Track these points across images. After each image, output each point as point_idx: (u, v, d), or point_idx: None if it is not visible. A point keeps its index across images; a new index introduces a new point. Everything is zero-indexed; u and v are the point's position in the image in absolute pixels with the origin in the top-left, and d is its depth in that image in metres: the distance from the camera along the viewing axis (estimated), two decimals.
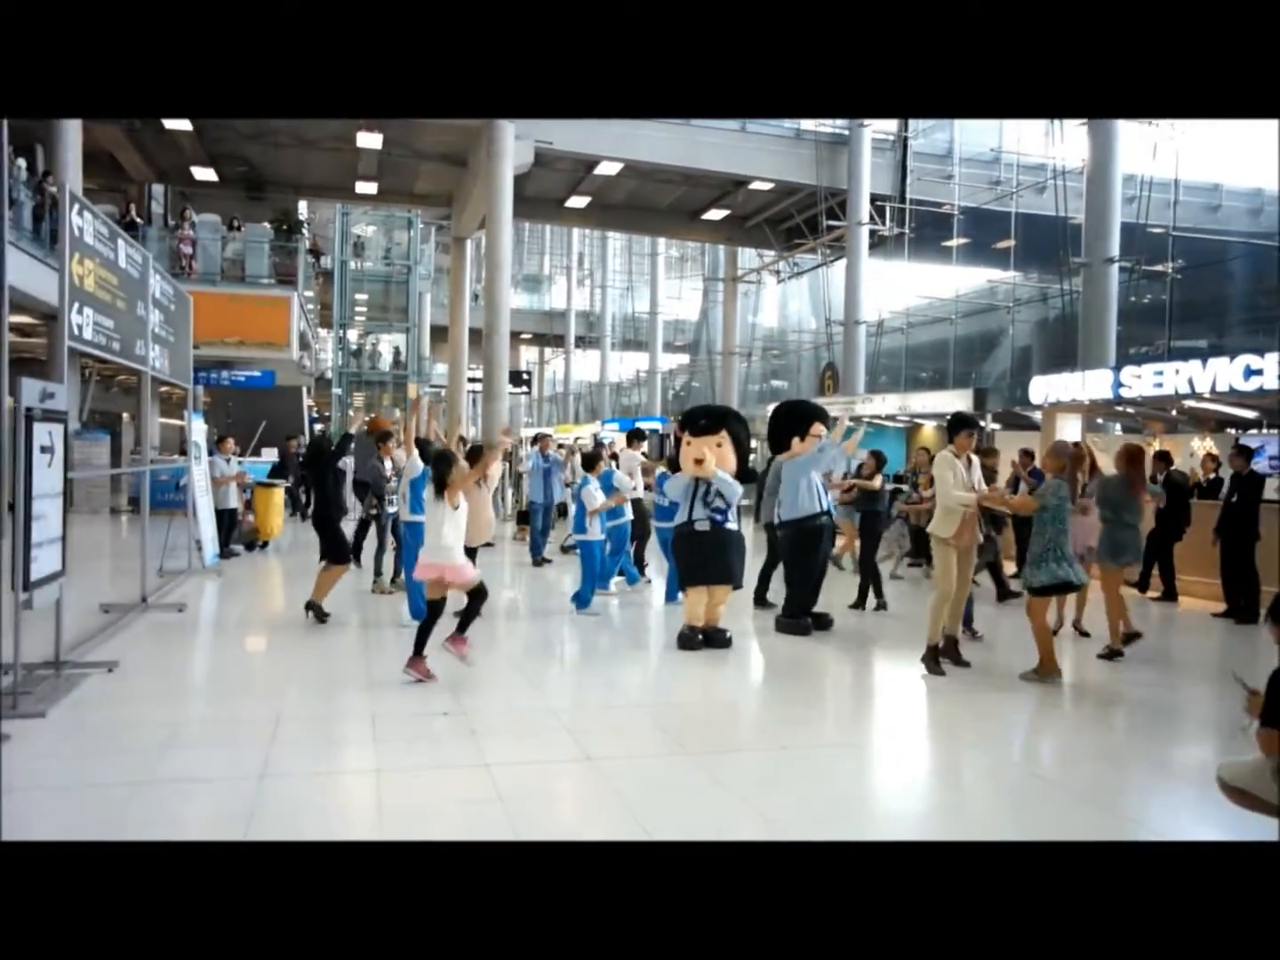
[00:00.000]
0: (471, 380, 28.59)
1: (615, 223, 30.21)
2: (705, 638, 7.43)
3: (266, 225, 20.87)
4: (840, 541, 11.06)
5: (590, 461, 9.46)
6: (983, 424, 16.56)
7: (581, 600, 8.81)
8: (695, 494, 7.57)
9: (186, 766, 4.51)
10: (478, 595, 6.35)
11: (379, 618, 8.47)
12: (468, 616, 6.34)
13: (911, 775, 4.97)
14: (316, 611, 8.11)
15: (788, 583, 8.40)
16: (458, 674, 6.36)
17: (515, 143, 20.18)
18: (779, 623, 8.27)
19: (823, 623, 8.32)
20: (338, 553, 8.36)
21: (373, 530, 10.54)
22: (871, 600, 9.44)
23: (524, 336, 48.68)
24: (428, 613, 6.32)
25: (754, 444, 13.91)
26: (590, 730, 5.32)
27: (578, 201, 26.03)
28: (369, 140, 21.36)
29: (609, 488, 9.28)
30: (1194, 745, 5.72)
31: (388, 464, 9.71)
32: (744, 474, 7.83)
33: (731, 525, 7.65)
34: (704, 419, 7.87)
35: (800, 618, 8.19)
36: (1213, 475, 11.32)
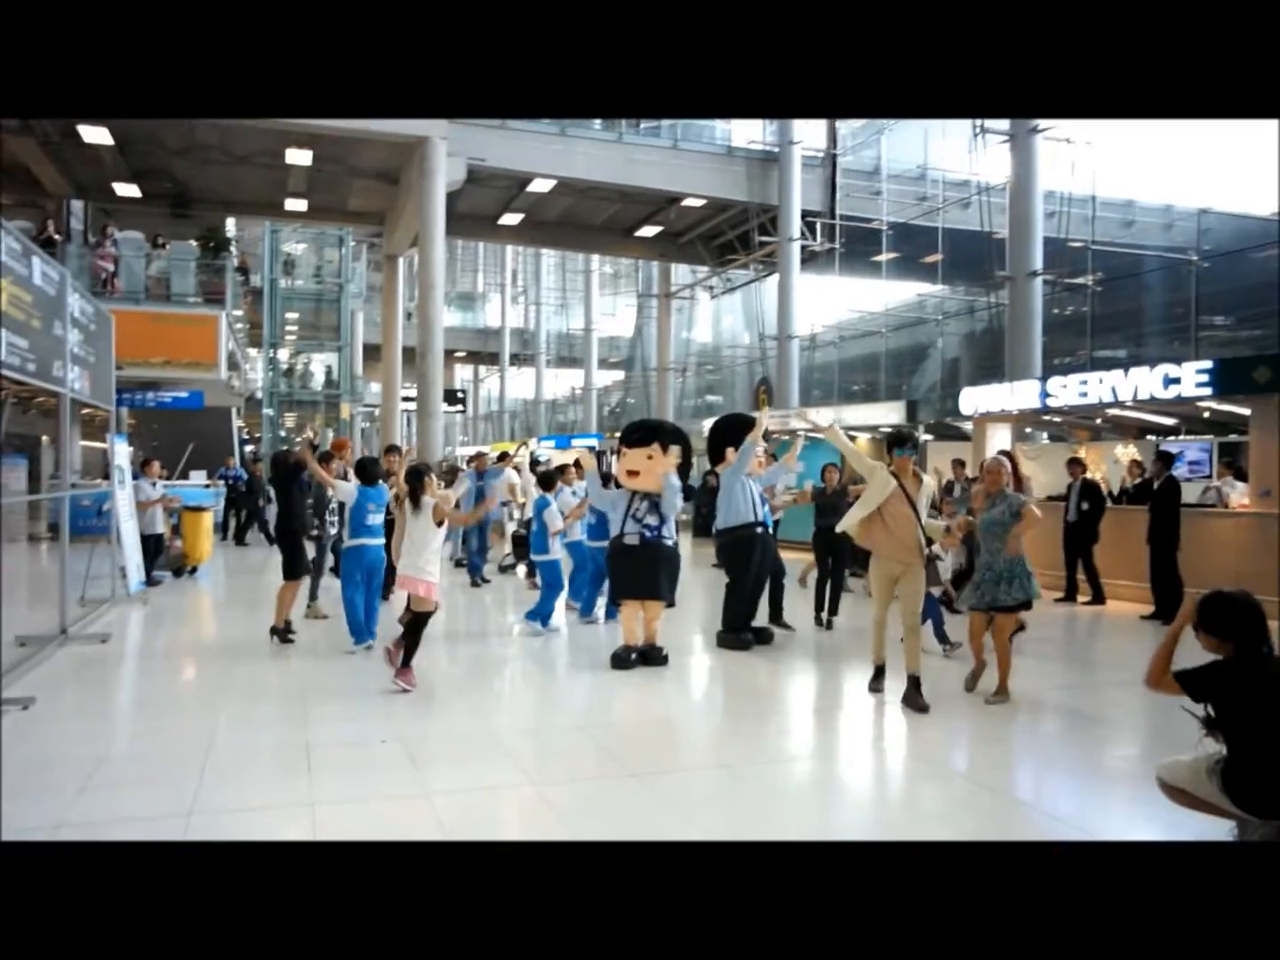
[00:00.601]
0: (405, 399, 28.26)
1: (549, 240, 30.12)
2: (641, 656, 7.36)
3: (193, 243, 20.38)
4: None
5: (547, 481, 9.39)
6: (917, 435, 16.82)
7: (542, 617, 8.82)
8: (628, 508, 7.52)
9: (109, 807, 4.30)
10: (424, 621, 6.56)
11: (314, 643, 8.27)
12: (412, 645, 6.49)
13: (852, 788, 4.98)
14: (280, 634, 8.11)
15: (725, 594, 8.39)
16: (397, 700, 6.23)
17: (448, 159, 20.05)
18: (719, 637, 8.25)
19: (763, 637, 8.30)
20: (292, 568, 8.31)
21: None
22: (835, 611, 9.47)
23: (458, 354, 48.30)
24: (413, 624, 6.56)
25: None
26: (533, 754, 5.24)
27: (511, 219, 25.92)
28: (300, 156, 21.04)
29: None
30: (1123, 746, 5.82)
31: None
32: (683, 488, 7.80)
33: (667, 540, 7.56)
34: (637, 431, 7.84)
35: (740, 632, 8.17)
36: (1138, 480, 11.63)
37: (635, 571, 7.44)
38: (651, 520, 7.46)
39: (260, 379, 36.04)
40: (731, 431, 8.66)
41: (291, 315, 35.77)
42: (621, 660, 7.29)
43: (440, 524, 6.61)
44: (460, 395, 37.48)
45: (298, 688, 6.73)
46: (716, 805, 4.49)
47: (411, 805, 4.32)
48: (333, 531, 9.45)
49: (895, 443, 6.55)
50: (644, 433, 7.78)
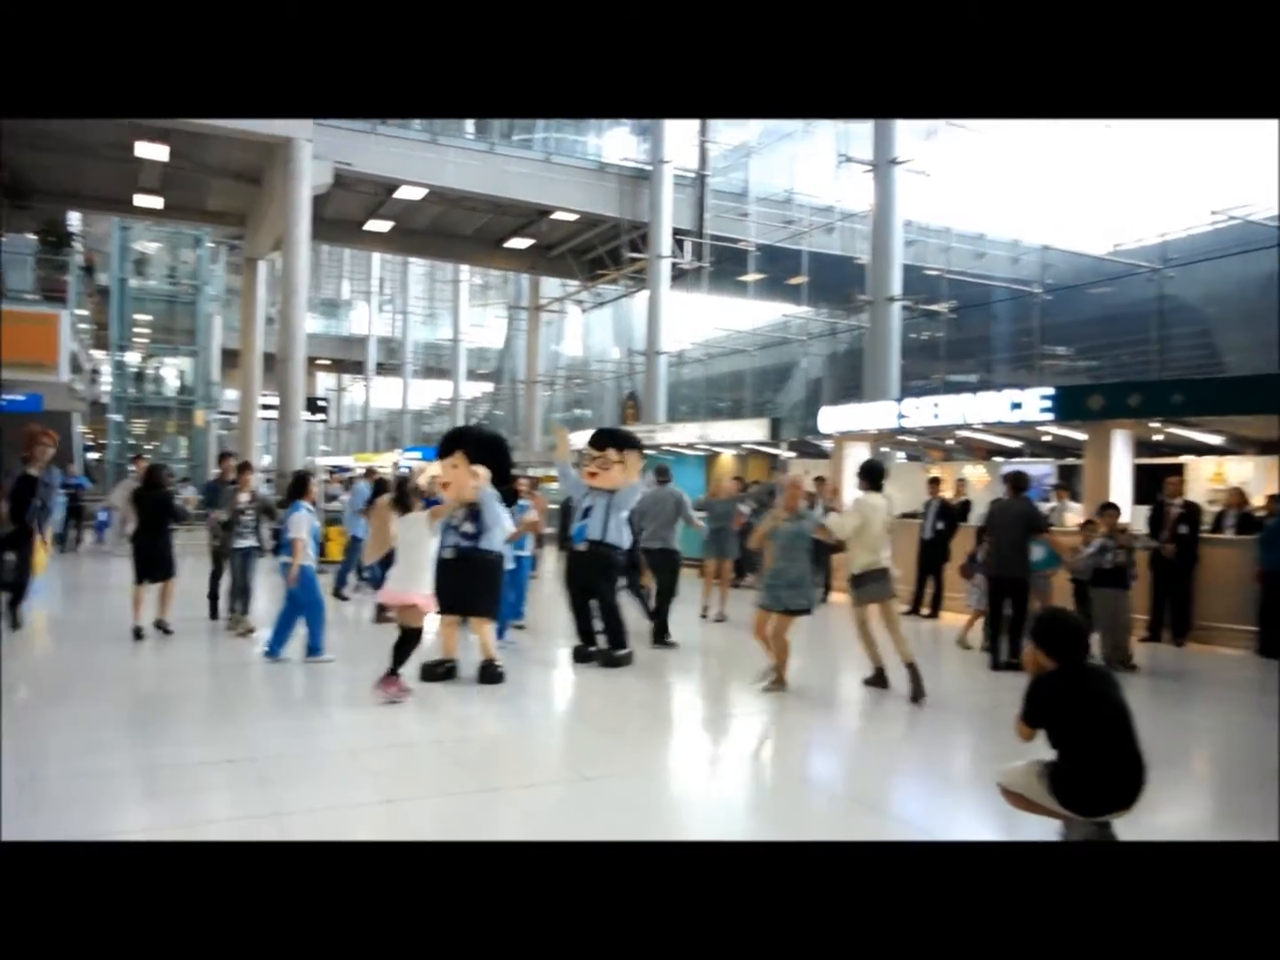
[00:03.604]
0: (265, 407, 27.30)
1: (418, 248, 29.71)
2: (488, 673, 7.16)
3: (31, 237, 19.24)
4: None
5: (300, 487, 9.14)
6: (777, 452, 17.23)
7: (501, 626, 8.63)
8: (449, 520, 7.28)
9: None
10: (418, 635, 6.70)
11: (194, 656, 7.90)
12: (403, 658, 6.57)
13: (709, 795, 5.02)
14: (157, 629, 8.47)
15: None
16: (250, 718, 5.98)
17: (314, 162, 19.53)
18: (576, 652, 8.22)
19: (608, 658, 8.07)
20: (151, 567, 8.51)
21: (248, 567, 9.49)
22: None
23: (321, 362, 47.04)
24: (406, 637, 6.62)
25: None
26: (390, 771, 5.11)
27: (379, 225, 25.44)
28: (151, 151, 20.09)
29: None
30: (959, 751, 6.06)
31: (244, 496, 8.97)
32: (504, 498, 7.57)
33: (490, 551, 7.32)
34: (442, 442, 7.63)
35: (584, 645, 8.18)
36: (964, 499, 12.20)
37: (451, 585, 7.14)
38: (469, 529, 7.22)
39: (107, 383, 34.24)
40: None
41: (142, 317, 34.05)
42: (429, 672, 7.08)
43: (432, 530, 6.83)
44: (323, 404, 36.35)
45: (139, 706, 6.40)
46: (579, 818, 4.46)
47: (259, 827, 4.14)
48: (246, 544, 8.93)
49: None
50: (446, 443, 7.55)
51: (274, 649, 7.77)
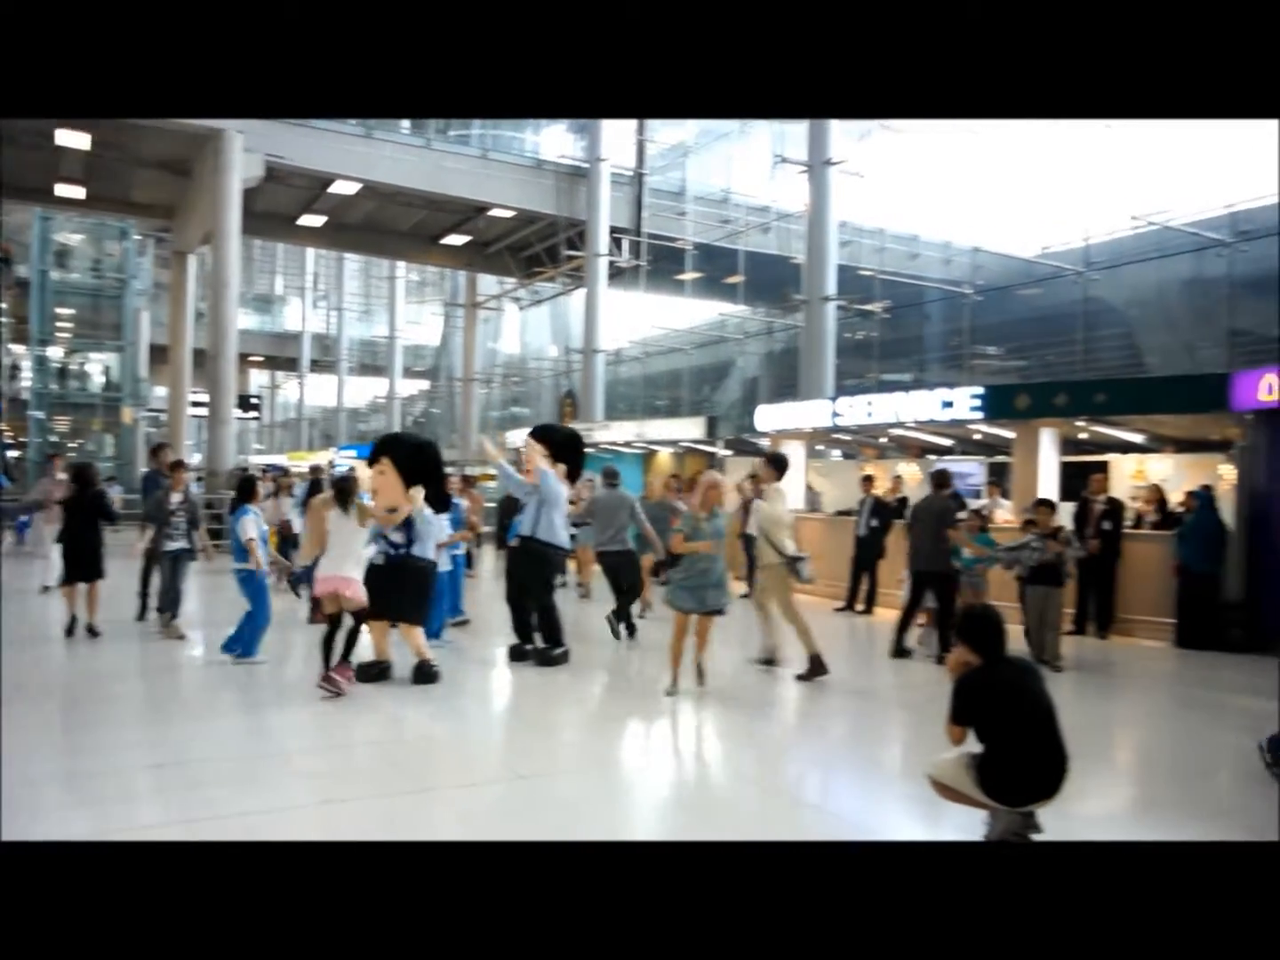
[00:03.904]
0: (195, 404, 26.72)
1: (352, 244, 29.31)
2: (422, 673, 7.11)
3: None
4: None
5: (247, 489, 9.01)
6: (714, 450, 17.35)
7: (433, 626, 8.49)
8: (379, 528, 7.24)
9: None
10: (361, 617, 6.84)
11: (122, 658, 7.70)
12: (352, 640, 6.74)
13: (642, 792, 5.05)
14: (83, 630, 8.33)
15: None
16: (175, 723, 5.87)
17: (244, 155, 19.15)
18: (511, 651, 8.20)
19: (544, 657, 8.03)
20: (79, 567, 8.38)
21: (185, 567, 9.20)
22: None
23: (254, 359, 46.18)
24: (330, 625, 6.76)
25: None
26: (326, 773, 5.05)
27: (312, 220, 25.05)
28: (73, 139, 19.52)
29: (457, 520, 9.02)
30: (894, 745, 6.18)
31: (175, 496, 8.71)
32: (435, 501, 7.48)
33: (420, 559, 7.28)
34: (372, 448, 7.60)
35: (520, 643, 8.17)
36: (900, 496, 12.42)
37: (380, 592, 7.14)
38: (397, 538, 7.19)
39: (28, 379, 33.18)
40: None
41: (65, 311, 33.09)
42: (364, 673, 7.05)
43: (364, 525, 6.99)
44: (255, 401, 35.73)
45: (66, 711, 6.24)
46: (516, 817, 4.46)
47: (190, 832, 4.07)
48: (177, 546, 8.69)
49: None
50: (374, 449, 7.51)
51: (248, 650, 7.68)
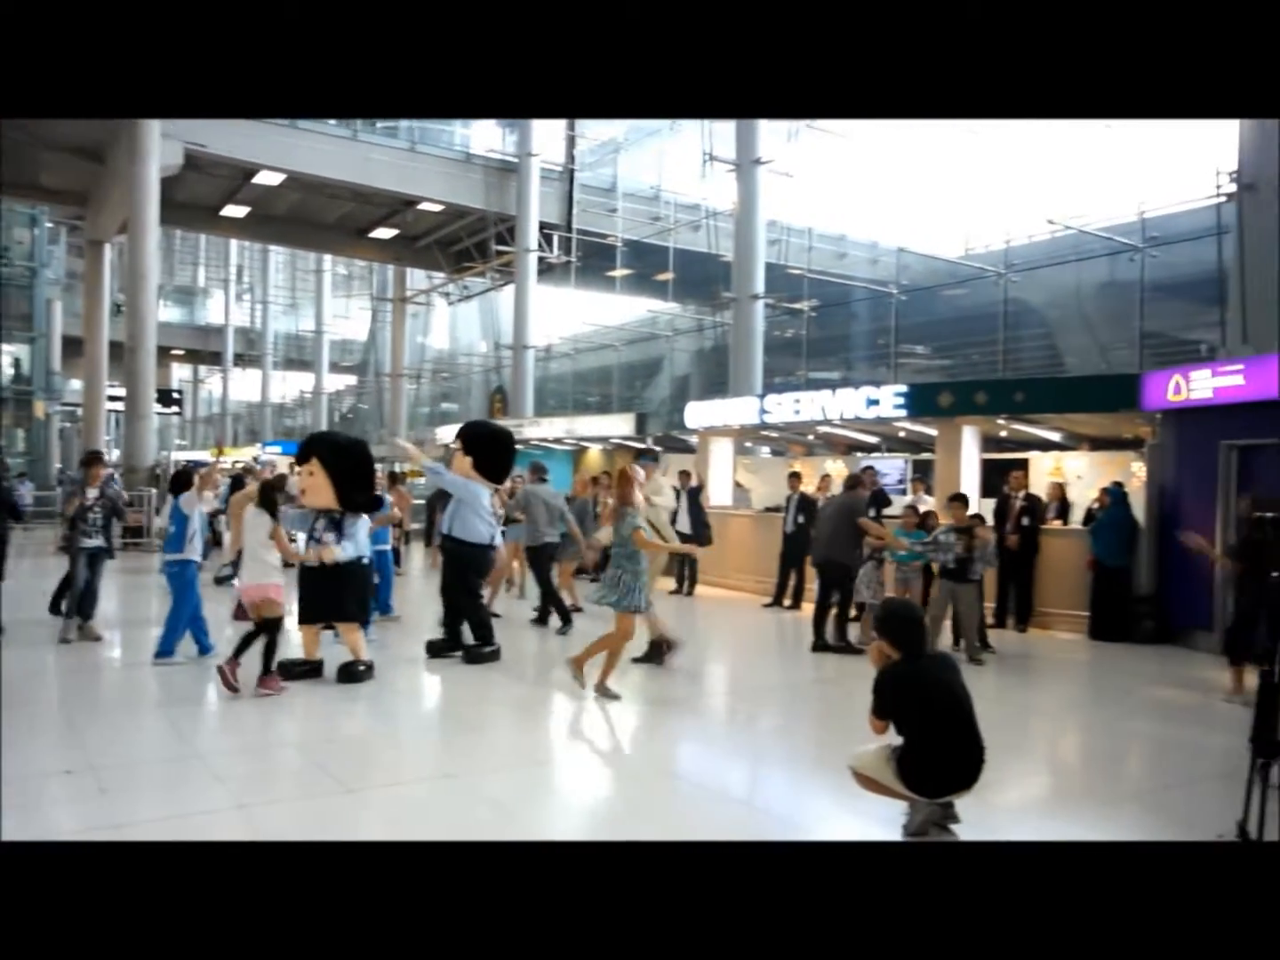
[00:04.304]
0: (112, 398, 25.98)
1: (277, 236, 28.77)
2: (348, 673, 7.00)
3: None
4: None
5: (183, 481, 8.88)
6: (643, 447, 17.40)
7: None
8: (312, 526, 7.17)
9: None
10: (277, 624, 6.70)
11: (30, 659, 7.45)
12: (270, 650, 6.61)
13: (570, 790, 5.06)
14: None
15: None
16: (86, 726, 5.70)
17: (163, 142, 18.65)
18: (428, 646, 8.14)
19: (471, 654, 7.99)
20: None
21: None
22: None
23: (175, 352, 44.98)
24: (265, 629, 6.62)
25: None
26: (243, 776, 4.95)
27: (235, 211, 24.51)
28: None
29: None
30: (813, 739, 6.27)
31: (91, 493, 8.36)
32: (359, 503, 7.32)
33: (351, 560, 7.17)
34: (299, 447, 7.55)
35: (442, 640, 8.14)
36: (827, 495, 12.61)
37: (312, 593, 7.11)
38: (327, 538, 7.08)
39: None
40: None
41: None
42: (289, 671, 6.97)
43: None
44: (176, 396, 34.83)
45: None
46: (443, 817, 4.42)
47: (99, 838, 3.96)
48: (93, 544, 8.37)
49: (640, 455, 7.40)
50: (302, 449, 7.41)
51: (167, 649, 7.52)
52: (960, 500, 8.80)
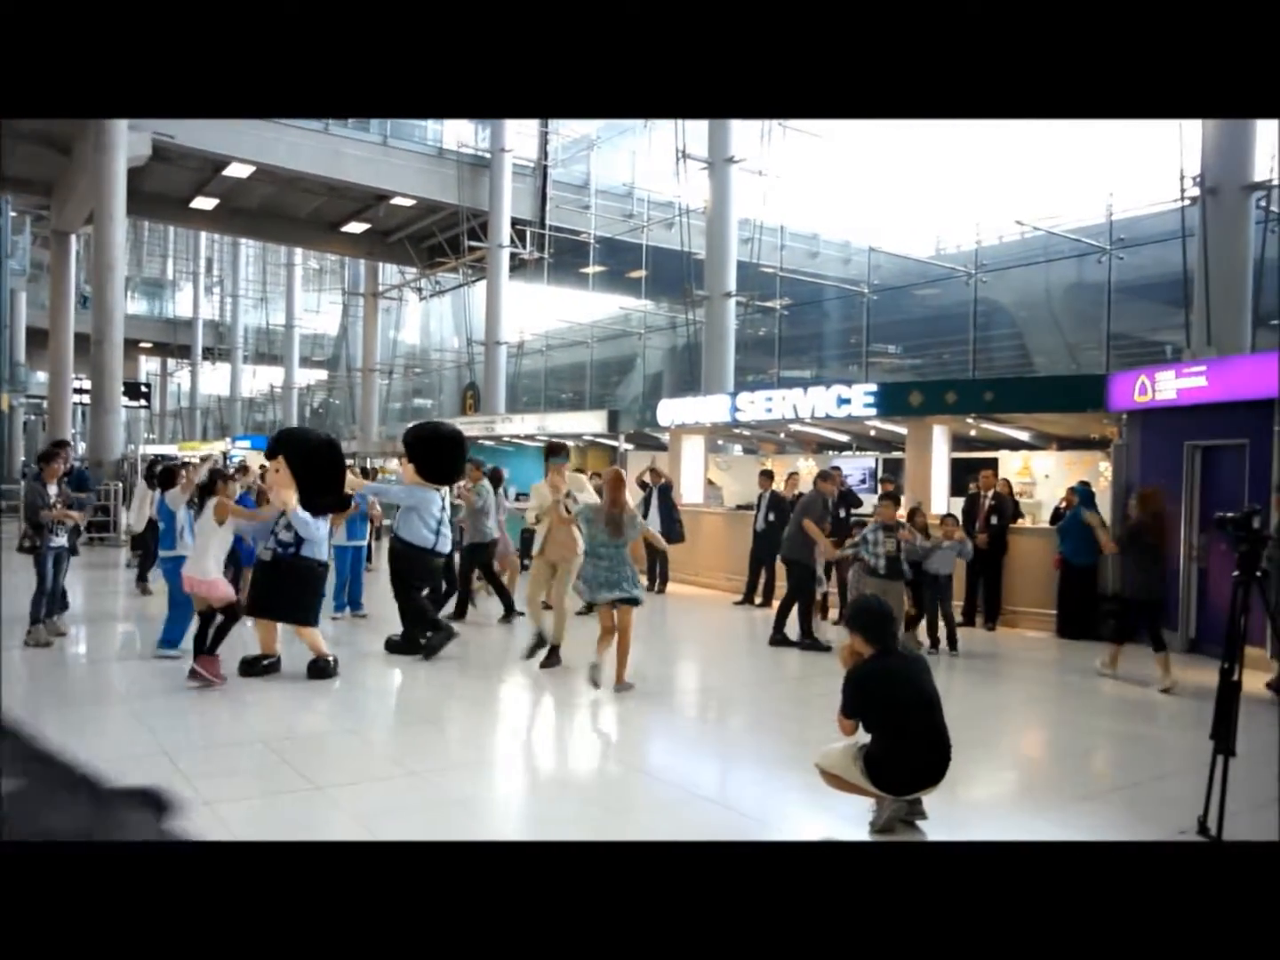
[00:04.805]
0: (79, 391, 25.65)
1: (248, 229, 28.45)
2: (316, 668, 7.01)
3: None
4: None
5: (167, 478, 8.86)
6: (616, 444, 17.40)
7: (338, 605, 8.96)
8: (276, 522, 7.11)
9: None
10: (233, 614, 6.83)
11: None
12: (221, 633, 6.73)
13: (537, 787, 5.06)
14: None
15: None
16: (42, 721, 5.62)
17: (130, 133, 18.42)
18: (387, 643, 8.13)
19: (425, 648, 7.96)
20: None
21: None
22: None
23: (143, 345, 44.50)
24: (202, 621, 6.77)
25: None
26: (208, 772, 4.91)
27: (205, 203, 24.24)
28: None
29: (363, 512, 9.24)
30: (796, 739, 6.31)
31: (52, 489, 8.13)
32: (322, 505, 7.24)
33: (309, 559, 7.09)
34: (268, 443, 7.57)
35: (401, 635, 8.13)
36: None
37: (265, 589, 7.07)
38: (286, 537, 7.00)
39: None
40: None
41: None
42: (248, 666, 6.97)
43: (222, 523, 6.99)
44: (144, 389, 34.46)
45: None
46: (407, 814, 4.41)
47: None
48: (57, 543, 8.20)
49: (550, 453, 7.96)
50: (271, 445, 7.37)
51: (175, 640, 7.60)
52: (889, 499, 8.69)
